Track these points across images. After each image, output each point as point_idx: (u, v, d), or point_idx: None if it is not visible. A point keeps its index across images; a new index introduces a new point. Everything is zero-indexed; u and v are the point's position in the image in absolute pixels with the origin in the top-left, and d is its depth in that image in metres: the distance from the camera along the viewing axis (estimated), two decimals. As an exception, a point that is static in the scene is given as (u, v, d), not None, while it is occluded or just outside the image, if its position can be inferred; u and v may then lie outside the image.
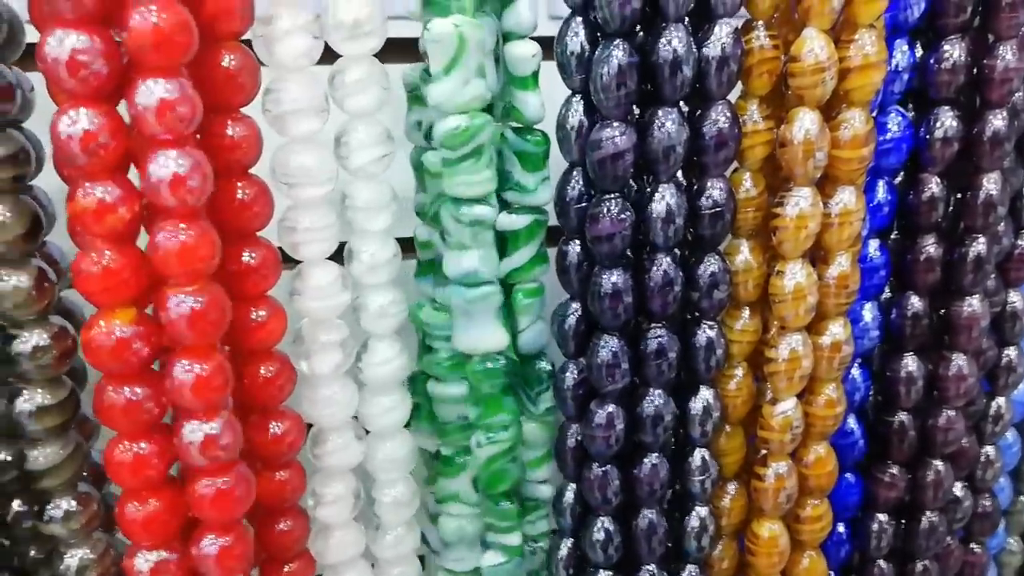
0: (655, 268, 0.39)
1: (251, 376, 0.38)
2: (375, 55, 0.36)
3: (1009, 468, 0.53)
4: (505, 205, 0.42)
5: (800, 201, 0.39)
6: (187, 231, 0.34)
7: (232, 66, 0.35)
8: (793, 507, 0.45)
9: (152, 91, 0.32)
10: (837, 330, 0.42)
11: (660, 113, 0.38)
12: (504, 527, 0.45)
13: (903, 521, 0.50)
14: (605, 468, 0.42)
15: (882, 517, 0.49)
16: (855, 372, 0.48)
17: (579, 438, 0.43)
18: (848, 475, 0.49)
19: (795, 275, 0.40)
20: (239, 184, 0.36)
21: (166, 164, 0.33)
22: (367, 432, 0.43)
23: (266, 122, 0.36)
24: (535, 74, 0.39)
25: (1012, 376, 0.49)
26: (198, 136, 0.35)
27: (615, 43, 0.36)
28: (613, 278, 0.39)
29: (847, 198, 0.40)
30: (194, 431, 0.36)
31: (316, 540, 0.43)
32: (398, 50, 0.40)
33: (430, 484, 0.46)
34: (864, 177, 0.42)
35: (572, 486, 0.44)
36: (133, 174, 0.34)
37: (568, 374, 0.42)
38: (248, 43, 0.36)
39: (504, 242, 0.42)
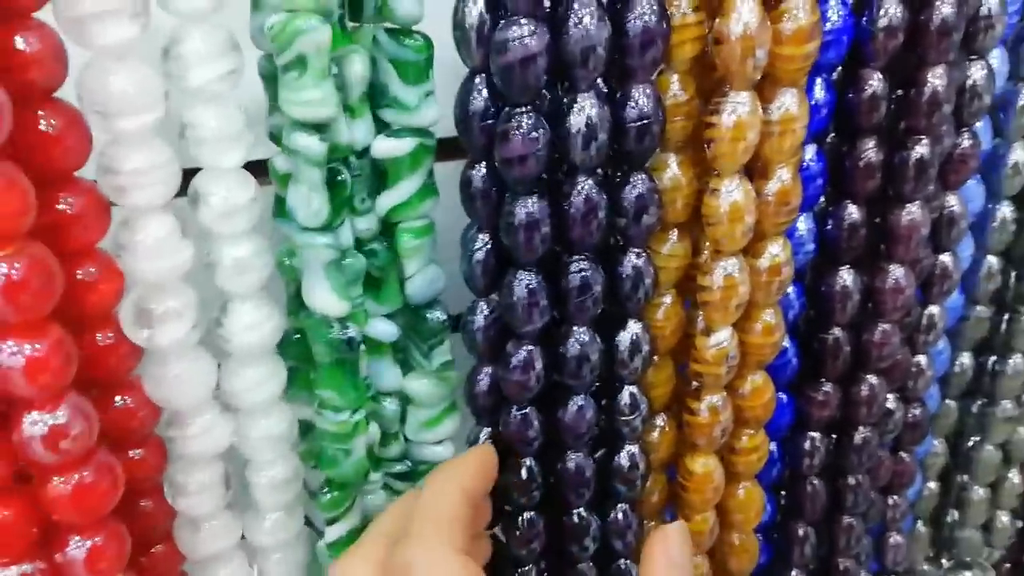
0: (575, 193, 0.34)
1: (87, 346, 0.32)
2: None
3: (939, 375, 0.52)
4: (384, 127, 0.35)
5: (738, 108, 0.34)
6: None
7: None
8: (728, 439, 0.42)
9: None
10: (776, 251, 0.38)
11: (576, 5, 0.31)
12: (327, 518, 0.40)
13: (834, 436, 0.48)
14: (525, 411, 0.38)
15: (814, 435, 0.47)
16: (788, 288, 0.44)
17: (492, 381, 0.39)
18: (780, 395, 0.47)
19: (731, 193, 0.35)
20: (41, 112, 0.28)
21: None
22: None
23: (60, 30, 0.28)
24: (408, -40, 0.32)
25: (947, 283, 0.47)
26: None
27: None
28: (527, 206, 0.34)
29: (789, 102, 0.35)
30: (35, 423, 0.29)
31: (182, 532, 0.37)
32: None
33: (308, 460, 0.41)
34: (806, 77, 0.37)
35: (486, 431, 0.40)
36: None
37: (479, 314, 0.38)
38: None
39: (383, 173, 0.35)
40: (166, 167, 0.31)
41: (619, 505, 0.42)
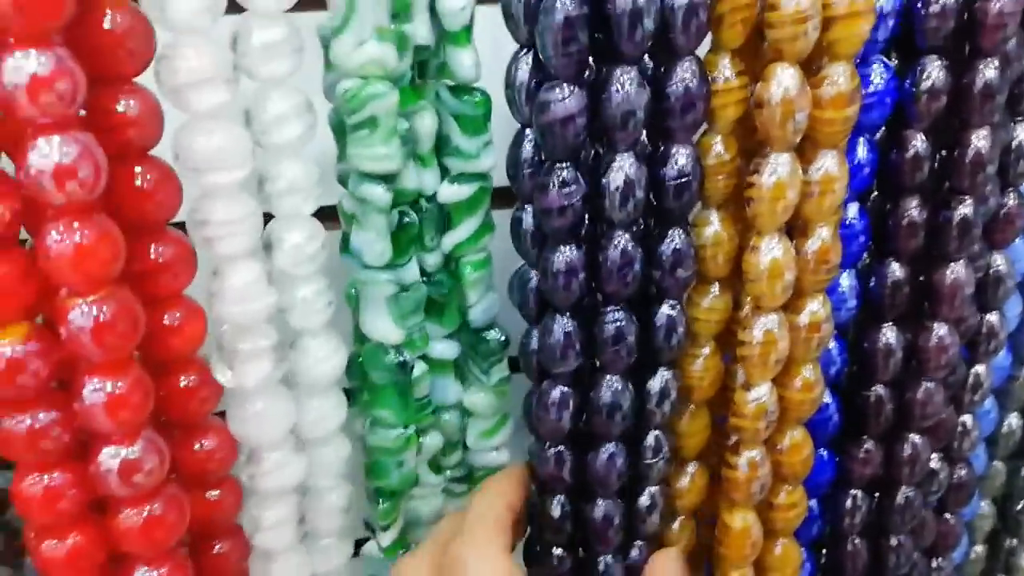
0: (611, 247, 0.35)
1: (169, 388, 0.34)
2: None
3: (986, 435, 0.51)
4: (446, 172, 0.38)
5: (778, 168, 0.35)
6: (82, 230, 0.28)
7: (118, 28, 0.29)
8: (766, 495, 0.42)
9: (21, 66, 0.26)
10: (816, 308, 0.39)
11: (617, 72, 0.33)
12: (381, 524, 0.42)
13: (876, 495, 0.48)
14: (558, 450, 0.40)
15: (856, 493, 0.47)
16: (830, 344, 0.45)
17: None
18: (822, 451, 0.47)
19: (771, 250, 0.36)
20: (138, 169, 0.31)
21: (47, 153, 0.27)
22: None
23: (162, 96, 0.30)
24: (467, 28, 0.34)
25: (994, 343, 0.46)
26: (83, 115, 0.29)
27: (561, -8, 0.31)
28: (564, 255, 0.36)
29: (829, 164, 0.36)
30: (111, 457, 0.31)
31: (255, 565, 0.39)
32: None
33: (370, 478, 0.42)
34: (847, 140, 0.38)
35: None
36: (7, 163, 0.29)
37: (534, 339, 0.39)
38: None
39: (448, 215, 0.38)
40: (251, 218, 0.33)
41: (637, 543, 0.43)
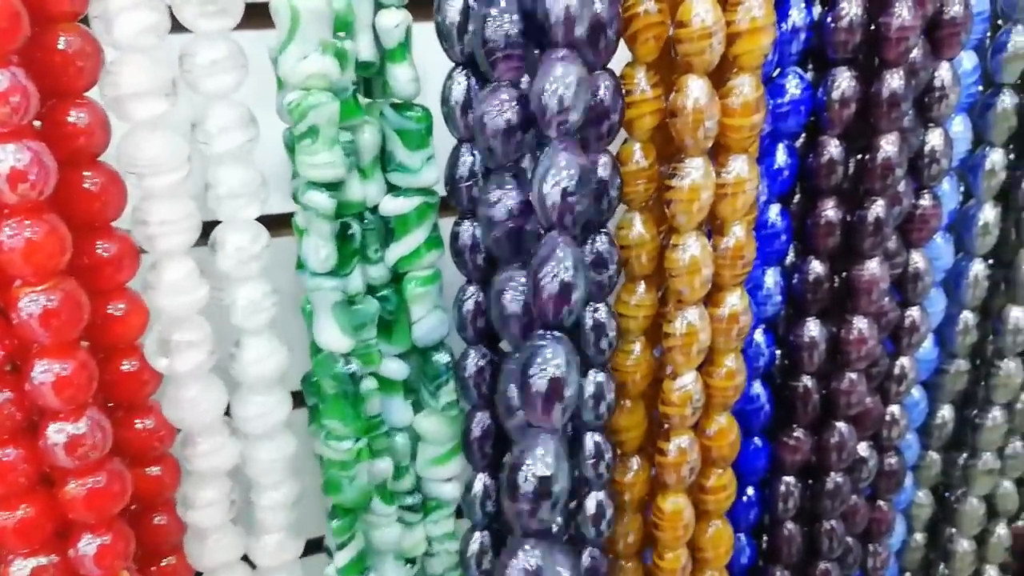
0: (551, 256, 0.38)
1: (113, 372, 0.37)
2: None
3: (916, 425, 0.53)
4: (393, 188, 0.40)
5: (692, 172, 0.38)
6: (32, 227, 0.32)
7: (70, 48, 0.32)
8: (697, 478, 0.44)
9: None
10: (734, 301, 0.41)
11: (547, 67, 0.35)
12: (336, 542, 0.43)
13: (810, 482, 0.50)
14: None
15: (788, 479, 0.49)
16: (759, 338, 0.47)
17: (484, 427, 0.42)
18: (756, 439, 0.49)
19: (689, 248, 0.39)
20: (86, 174, 0.34)
21: (3, 158, 0.30)
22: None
23: (104, 106, 0.33)
24: (403, 45, 0.37)
25: (915, 336, 0.49)
26: (39, 125, 0.33)
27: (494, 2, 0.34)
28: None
29: (740, 167, 0.39)
30: (59, 432, 0.34)
31: (191, 544, 0.41)
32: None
33: (327, 493, 0.43)
34: (757, 144, 0.41)
35: (481, 477, 0.43)
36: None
37: (470, 360, 0.41)
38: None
39: (392, 228, 0.40)
40: (188, 219, 0.36)
41: (588, 549, 0.44)
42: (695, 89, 0.37)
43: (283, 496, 0.42)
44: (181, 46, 0.33)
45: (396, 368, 0.42)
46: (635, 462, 0.45)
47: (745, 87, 0.37)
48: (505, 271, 0.36)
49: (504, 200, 0.35)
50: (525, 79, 0.35)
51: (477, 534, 0.43)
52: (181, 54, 0.33)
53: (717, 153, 0.39)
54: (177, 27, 0.33)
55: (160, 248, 0.35)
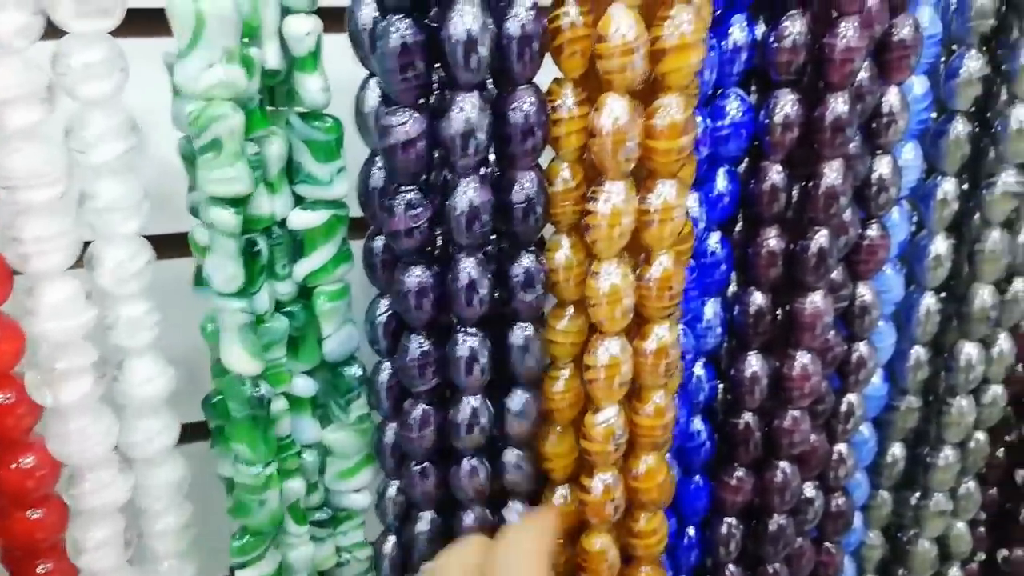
0: (459, 270, 0.36)
1: (-16, 407, 0.33)
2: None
3: (865, 464, 0.51)
4: (301, 200, 0.37)
5: (612, 196, 0.35)
6: None
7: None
8: (626, 520, 0.42)
9: None
10: (662, 334, 0.39)
11: (458, 98, 0.33)
12: (236, 561, 0.41)
13: (753, 523, 0.48)
14: (423, 466, 0.41)
15: (730, 521, 0.47)
16: (699, 371, 0.45)
17: (398, 435, 0.41)
18: (696, 478, 0.47)
19: (610, 276, 0.36)
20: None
21: None
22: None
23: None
24: (313, 54, 0.34)
25: (863, 372, 0.47)
26: None
27: (396, 19, 0.32)
28: (414, 276, 0.36)
29: (667, 192, 0.36)
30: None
31: None
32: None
33: (233, 516, 0.41)
34: (691, 169, 0.39)
35: (394, 483, 0.42)
36: None
37: (383, 373, 0.40)
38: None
39: (301, 242, 0.38)
40: (68, 235, 0.33)
41: None
42: (615, 108, 0.34)
43: (174, 521, 0.39)
44: (54, 48, 0.30)
45: (304, 385, 0.40)
46: (563, 492, 0.42)
47: (672, 107, 0.35)
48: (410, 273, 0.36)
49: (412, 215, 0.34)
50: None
51: (391, 537, 0.43)
52: (54, 55, 0.30)
53: (644, 178, 0.37)
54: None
55: (36, 268, 0.32)
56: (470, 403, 0.39)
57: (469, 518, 0.41)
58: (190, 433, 0.41)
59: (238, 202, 0.34)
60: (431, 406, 0.39)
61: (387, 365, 0.40)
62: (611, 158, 0.34)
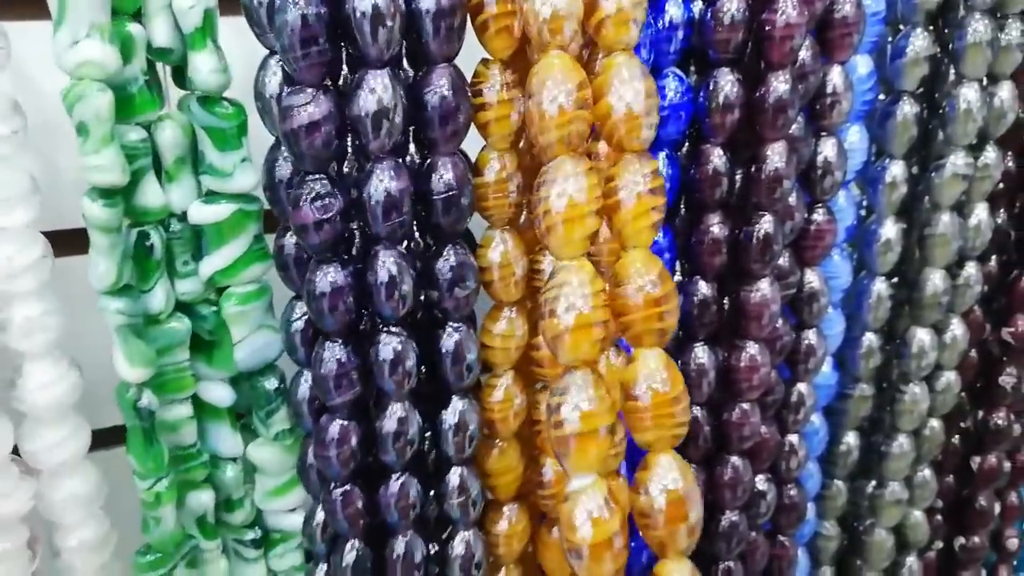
0: (377, 264, 0.33)
1: None
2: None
3: (817, 454, 0.50)
4: (211, 194, 0.35)
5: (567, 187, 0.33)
6: None
7: None
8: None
9: None
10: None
11: (367, 76, 0.31)
12: None
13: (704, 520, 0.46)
14: (345, 488, 0.36)
15: (680, 519, 0.45)
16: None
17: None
18: (646, 474, 0.45)
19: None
20: None
21: None
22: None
23: None
24: (202, 31, 0.32)
25: (812, 360, 0.45)
26: None
27: (296, -10, 0.30)
28: (329, 275, 0.33)
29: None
30: None
31: None
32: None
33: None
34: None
35: (321, 508, 0.38)
36: None
37: (302, 385, 0.37)
38: None
39: (205, 239, 0.35)
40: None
41: None
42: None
43: (91, 534, 0.36)
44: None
45: (220, 394, 0.38)
46: (511, 510, 0.40)
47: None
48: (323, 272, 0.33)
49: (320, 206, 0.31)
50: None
51: (322, 566, 0.39)
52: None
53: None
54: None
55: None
56: (396, 411, 0.35)
57: (399, 546, 0.37)
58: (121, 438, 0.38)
59: (112, 193, 0.31)
60: (351, 420, 0.36)
61: (306, 376, 0.37)
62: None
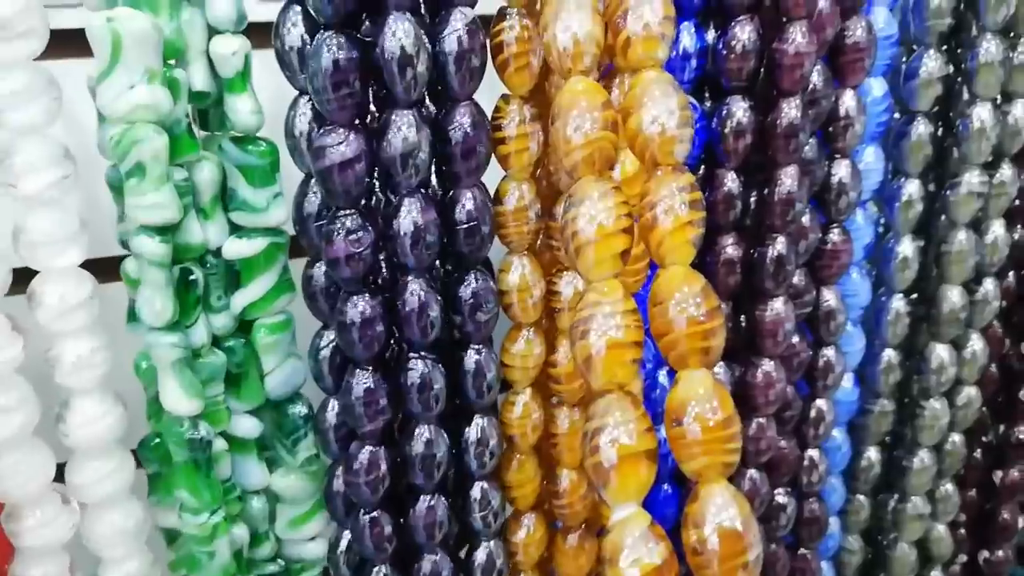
0: (407, 293, 0.35)
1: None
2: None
3: (839, 469, 0.51)
4: (237, 228, 0.37)
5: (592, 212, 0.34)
6: None
7: None
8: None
9: None
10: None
11: (394, 116, 0.33)
12: None
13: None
14: (374, 515, 0.38)
15: (701, 531, 0.46)
16: (664, 381, 0.44)
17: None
18: (665, 486, 0.46)
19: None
20: None
21: None
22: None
23: None
24: (242, 75, 0.34)
25: (831, 377, 0.46)
26: None
27: (328, 35, 0.32)
28: (359, 306, 0.35)
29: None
30: None
31: None
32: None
33: (176, 570, 0.40)
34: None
35: (347, 534, 0.39)
36: None
37: (329, 412, 0.38)
38: None
39: (238, 272, 0.37)
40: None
41: None
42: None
43: (134, 569, 0.38)
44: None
45: (248, 426, 0.39)
46: (529, 520, 0.42)
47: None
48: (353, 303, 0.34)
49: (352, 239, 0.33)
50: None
51: None
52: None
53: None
54: None
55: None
56: (425, 433, 0.37)
57: (427, 566, 0.39)
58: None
59: (165, 230, 0.33)
60: (381, 446, 0.37)
61: (333, 403, 0.38)
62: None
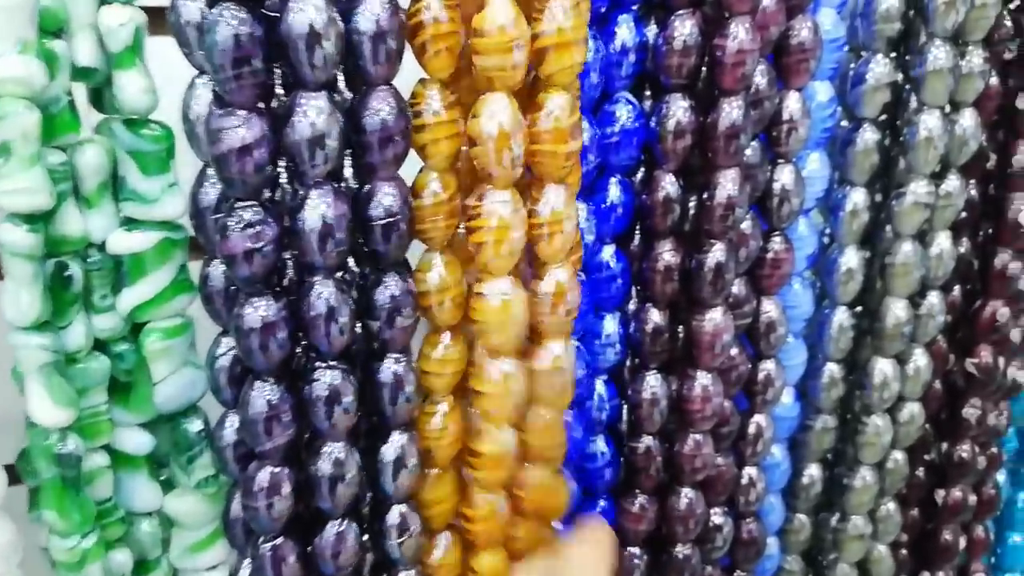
0: (314, 295, 0.32)
1: None
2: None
3: (778, 487, 0.49)
4: (131, 221, 0.33)
5: (498, 208, 0.32)
6: None
7: None
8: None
9: None
10: (558, 351, 0.36)
11: (301, 98, 0.30)
12: None
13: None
14: (276, 542, 0.34)
15: (633, 551, 0.44)
16: (601, 389, 0.42)
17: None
18: (601, 502, 0.44)
19: (501, 294, 0.33)
20: None
21: None
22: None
23: None
24: (131, 49, 0.31)
25: (771, 391, 0.44)
26: None
27: (227, 7, 0.29)
28: (260, 309, 0.31)
29: (555, 200, 0.34)
30: None
31: None
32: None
33: None
34: (575, 176, 0.36)
35: (247, 563, 0.36)
36: None
37: (227, 428, 0.34)
38: None
39: (125, 269, 0.33)
40: None
41: None
42: (499, 110, 0.32)
43: None
44: None
45: (138, 441, 0.35)
46: (444, 540, 0.39)
47: (559, 109, 0.32)
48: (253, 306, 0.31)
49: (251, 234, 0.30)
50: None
51: None
52: None
53: (529, 185, 0.34)
54: None
55: None
56: (333, 452, 0.34)
57: None
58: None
59: (35, 218, 0.30)
60: (283, 467, 0.33)
61: (232, 418, 0.34)
62: (496, 165, 0.31)
